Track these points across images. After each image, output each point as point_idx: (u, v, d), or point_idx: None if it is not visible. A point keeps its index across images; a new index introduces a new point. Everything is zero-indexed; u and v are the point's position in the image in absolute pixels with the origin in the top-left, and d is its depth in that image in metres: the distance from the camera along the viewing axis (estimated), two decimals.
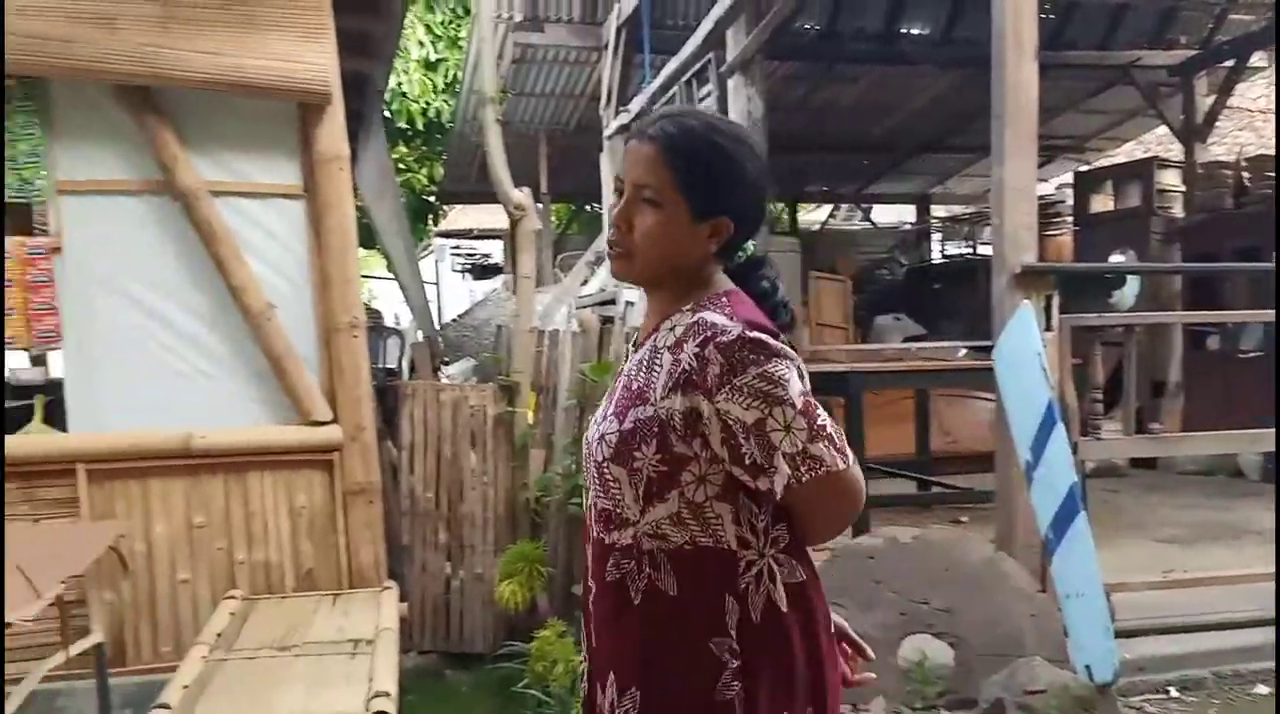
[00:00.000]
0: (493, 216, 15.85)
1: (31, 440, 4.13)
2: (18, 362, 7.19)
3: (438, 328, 8.03)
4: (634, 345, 1.55)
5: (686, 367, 1.36)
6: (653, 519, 1.42)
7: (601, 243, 9.53)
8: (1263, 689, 3.68)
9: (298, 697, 2.87)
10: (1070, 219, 9.72)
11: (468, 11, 12.17)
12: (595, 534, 1.50)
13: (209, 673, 3.07)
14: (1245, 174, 7.95)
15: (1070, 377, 3.98)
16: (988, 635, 3.48)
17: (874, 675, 1.62)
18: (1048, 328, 3.85)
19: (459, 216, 17.69)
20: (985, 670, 3.41)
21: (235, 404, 4.16)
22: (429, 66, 12.66)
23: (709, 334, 1.35)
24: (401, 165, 13.38)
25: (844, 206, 15.91)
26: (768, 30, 5.19)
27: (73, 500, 3.95)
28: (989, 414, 6.24)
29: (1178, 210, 8.36)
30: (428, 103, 12.67)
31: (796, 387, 1.36)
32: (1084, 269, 7.93)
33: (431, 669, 4.73)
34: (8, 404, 5.07)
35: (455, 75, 12.31)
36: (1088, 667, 3.30)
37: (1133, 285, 7.79)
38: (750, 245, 1.57)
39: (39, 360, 6.85)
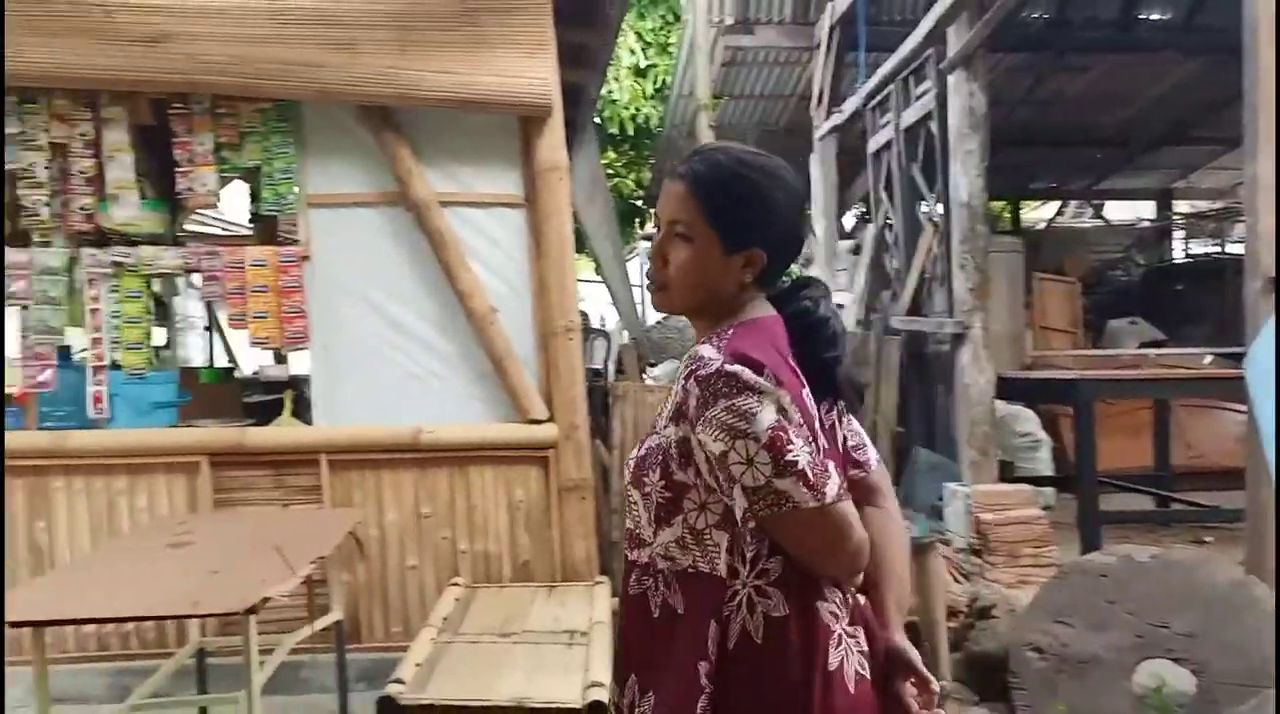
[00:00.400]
0: None
1: (282, 432, 4.52)
2: (264, 360, 7.91)
3: (644, 329, 8.16)
4: None
5: (679, 398, 1.45)
6: (663, 541, 1.50)
7: (809, 246, 9.43)
8: None
9: (518, 681, 2.99)
10: None
11: (678, 18, 12.33)
12: (625, 550, 1.60)
13: (437, 654, 3.25)
14: None
15: None
16: (1235, 663, 3.20)
17: (942, 712, 1.57)
18: None
19: None
20: (1231, 700, 3.13)
21: (460, 402, 4.40)
22: (639, 73, 12.91)
23: (694, 367, 1.42)
24: (610, 170, 13.70)
25: (1072, 203, 14.96)
26: (993, 22, 4.96)
27: (316, 488, 4.29)
28: (1239, 427, 5.71)
29: None
30: (637, 108, 12.91)
31: (765, 421, 1.37)
32: None
33: None
34: (259, 398, 5.58)
35: (664, 81, 12.49)
36: None
37: None
38: (796, 268, 1.56)
39: (281, 358, 7.50)
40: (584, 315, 10.37)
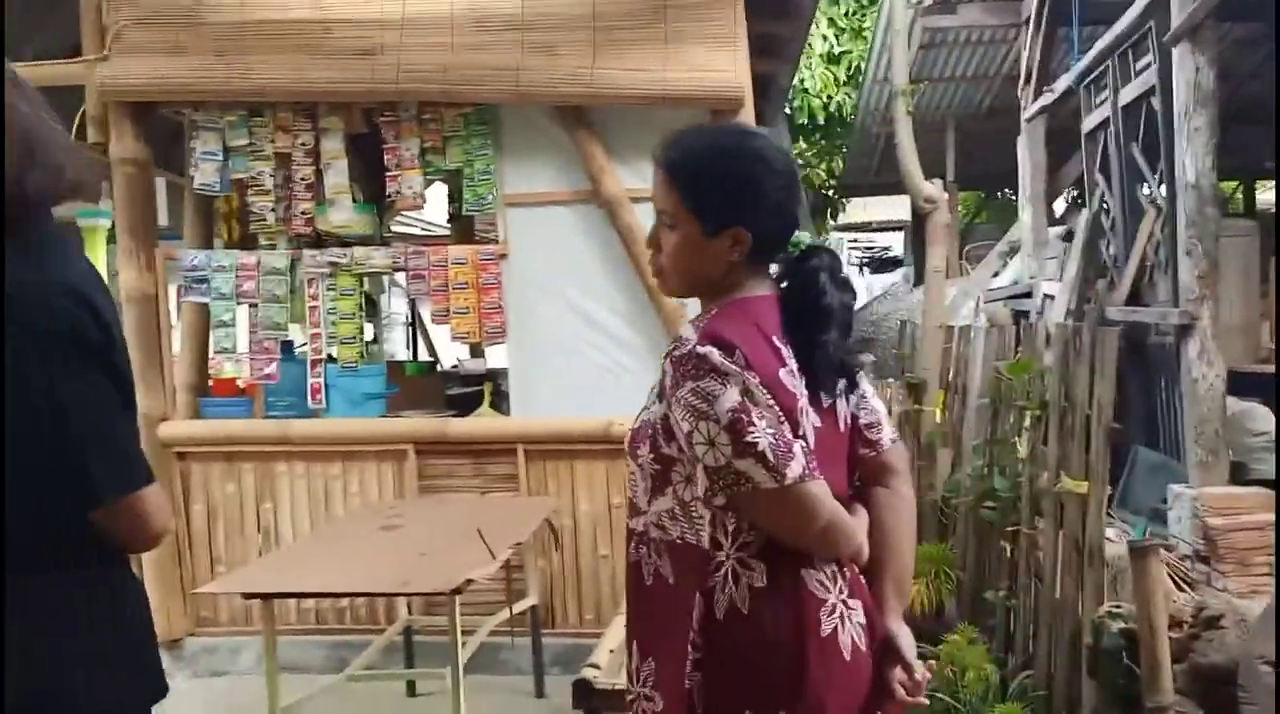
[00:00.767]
0: (892, 208, 15.52)
1: (482, 422, 4.71)
2: (461, 354, 8.28)
3: None
4: None
5: (661, 376, 1.52)
6: (656, 511, 1.57)
7: (1014, 232, 8.96)
8: None
9: None
10: None
11: (872, 1, 11.99)
12: (626, 519, 1.68)
13: None
14: None
15: None
16: None
17: (925, 701, 1.60)
18: None
19: (857, 210, 17.52)
20: None
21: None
22: (831, 59, 12.65)
23: (672, 347, 1.50)
24: (801, 161, 13.51)
25: None
26: None
27: (513, 476, 4.44)
28: None
29: None
30: (829, 96, 12.65)
31: (726, 404, 1.42)
32: None
33: None
34: (459, 391, 5.83)
35: (858, 66, 12.18)
36: None
37: None
38: (803, 237, 1.63)
39: (478, 352, 7.82)
40: None
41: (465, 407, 5.12)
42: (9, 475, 1.41)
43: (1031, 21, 7.71)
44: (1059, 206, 10.88)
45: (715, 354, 1.43)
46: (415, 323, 9.46)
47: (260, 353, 4.52)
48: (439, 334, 7.29)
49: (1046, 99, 7.44)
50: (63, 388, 1.41)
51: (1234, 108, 6.45)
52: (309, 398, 4.54)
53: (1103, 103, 6.48)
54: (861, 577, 1.60)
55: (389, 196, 4.61)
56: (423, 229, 9.34)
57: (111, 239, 4.68)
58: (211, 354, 4.70)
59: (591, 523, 4.44)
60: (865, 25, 12.31)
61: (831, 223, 17.00)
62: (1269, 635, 3.25)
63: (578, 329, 4.46)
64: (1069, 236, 7.35)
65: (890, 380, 4.89)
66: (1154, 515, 4.78)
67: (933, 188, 4.86)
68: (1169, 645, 3.64)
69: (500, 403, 4.82)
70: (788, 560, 1.49)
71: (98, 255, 5.04)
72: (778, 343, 1.51)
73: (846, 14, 12.74)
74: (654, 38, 4.24)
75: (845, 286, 1.60)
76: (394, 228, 6.26)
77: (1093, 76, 6.63)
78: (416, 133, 4.44)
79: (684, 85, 4.22)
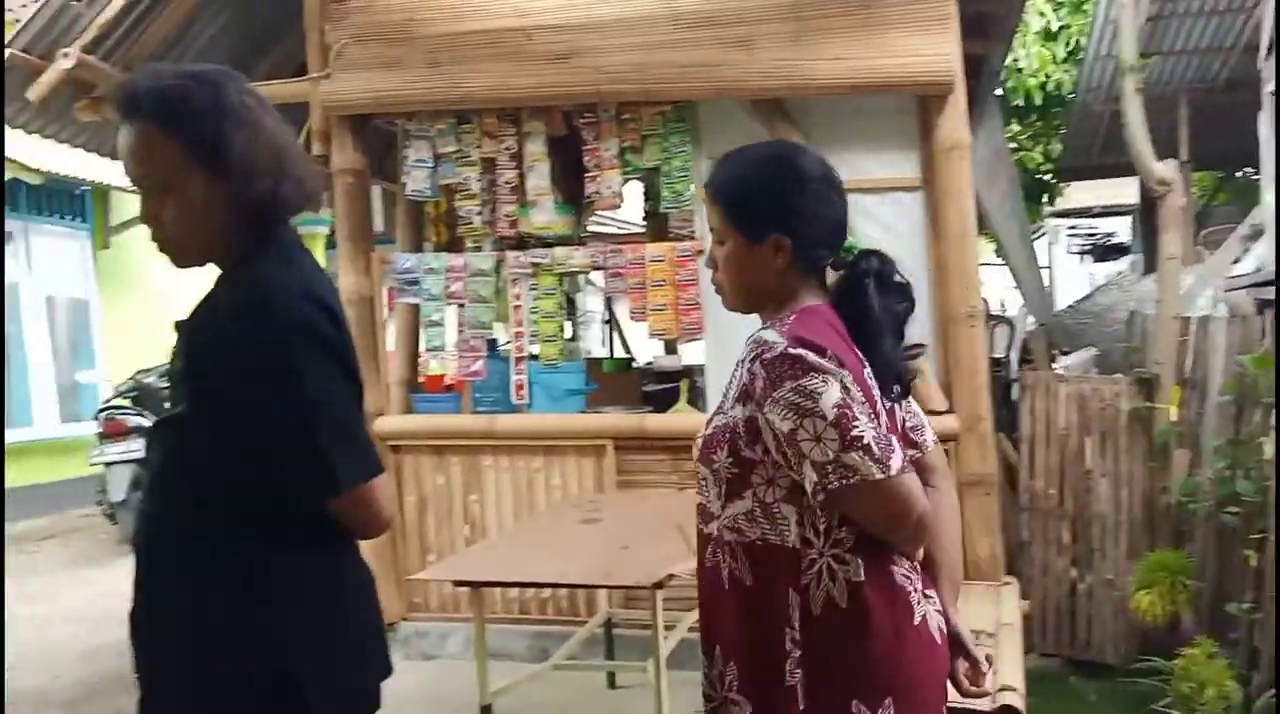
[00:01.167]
0: (1116, 191, 14.43)
1: (678, 418, 4.71)
2: (655, 351, 8.35)
3: (1054, 314, 7.52)
4: None
5: (745, 380, 1.57)
6: (731, 515, 1.60)
7: (1257, 215, 8.13)
8: None
9: None
10: None
11: None
12: (698, 524, 1.69)
13: None
14: None
15: None
16: None
17: (988, 690, 1.67)
18: None
19: (1077, 193, 16.40)
20: None
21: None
22: (1048, 36, 11.90)
23: (760, 351, 1.54)
24: (1014, 144, 12.81)
25: None
26: None
27: None
28: None
29: None
30: (1046, 75, 11.92)
31: (831, 399, 1.47)
32: None
33: (1054, 673, 4.45)
34: (655, 387, 5.86)
35: (1078, 43, 11.41)
36: None
37: None
38: (855, 243, 1.68)
39: (671, 349, 7.86)
40: (983, 301, 9.82)
41: (661, 403, 5.14)
42: (256, 463, 1.50)
43: None
44: None
45: (810, 355, 1.49)
46: (611, 320, 9.63)
47: (467, 351, 4.70)
48: (634, 331, 7.38)
49: None
50: (310, 384, 1.50)
51: None
52: (513, 394, 4.69)
53: None
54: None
55: (588, 197, 4.69)
56: (618, 228, 9.47)
57: (329, 245, 4.99)
58: (422, 352, 4.93)
59: None
60: None
61: (1046, 208, 16.04)
62: None
63: None
64: None
65: (1118, 376, 4.53)
66: None
67: (1166, 169, 4.47)
68: None
69: (697, 399, 4.81)
70: (880, 554, 1.55)
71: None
72: (852, 345, 1.58)
73: None
74: (856, 24, 4.09)
75: (899, 291, 1.65)
76: (589, 227, 6.38)
77: None
78: (615, 133, 4.49)
79: (889, 72, 4.07)
